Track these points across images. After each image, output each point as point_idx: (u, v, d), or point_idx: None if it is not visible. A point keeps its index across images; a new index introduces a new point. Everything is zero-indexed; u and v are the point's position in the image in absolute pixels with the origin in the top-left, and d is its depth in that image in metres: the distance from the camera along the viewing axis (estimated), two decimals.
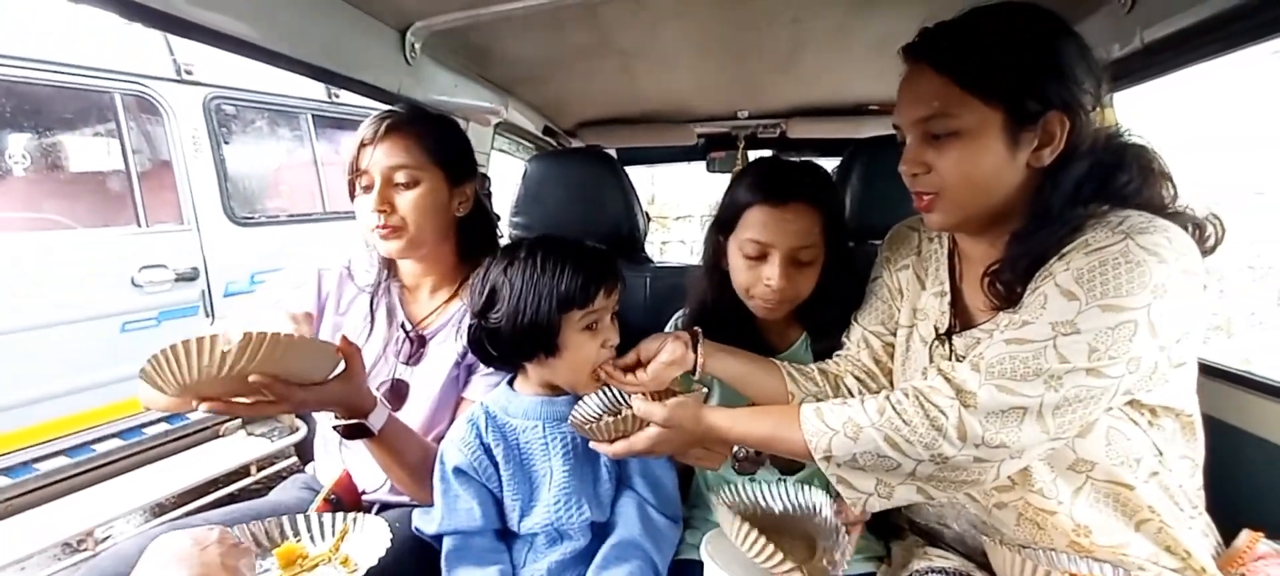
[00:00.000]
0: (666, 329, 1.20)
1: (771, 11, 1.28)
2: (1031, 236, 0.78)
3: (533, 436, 1.02)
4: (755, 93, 2.11)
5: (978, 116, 0.76)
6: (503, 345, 0.99)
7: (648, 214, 1.77)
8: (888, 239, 1.08)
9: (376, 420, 0.97)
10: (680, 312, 1.22)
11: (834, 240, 1.05)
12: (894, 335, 1.03)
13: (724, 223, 1.09)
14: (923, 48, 0.81)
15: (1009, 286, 0.79)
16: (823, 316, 1.11)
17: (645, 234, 1.68)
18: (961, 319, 0.92)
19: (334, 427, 0.99)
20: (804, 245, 1.01)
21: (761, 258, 1.02)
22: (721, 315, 1.12)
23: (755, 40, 1.47)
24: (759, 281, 1.03)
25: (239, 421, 2.94)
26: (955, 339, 0.90)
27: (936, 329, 0.93)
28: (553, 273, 0.96)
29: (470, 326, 1.02)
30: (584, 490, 1.01)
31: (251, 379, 0.80)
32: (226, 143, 3.01)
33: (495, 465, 1.01)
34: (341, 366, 0.92)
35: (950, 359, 0.90)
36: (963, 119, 0.77)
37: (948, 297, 0.93)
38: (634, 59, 1.59)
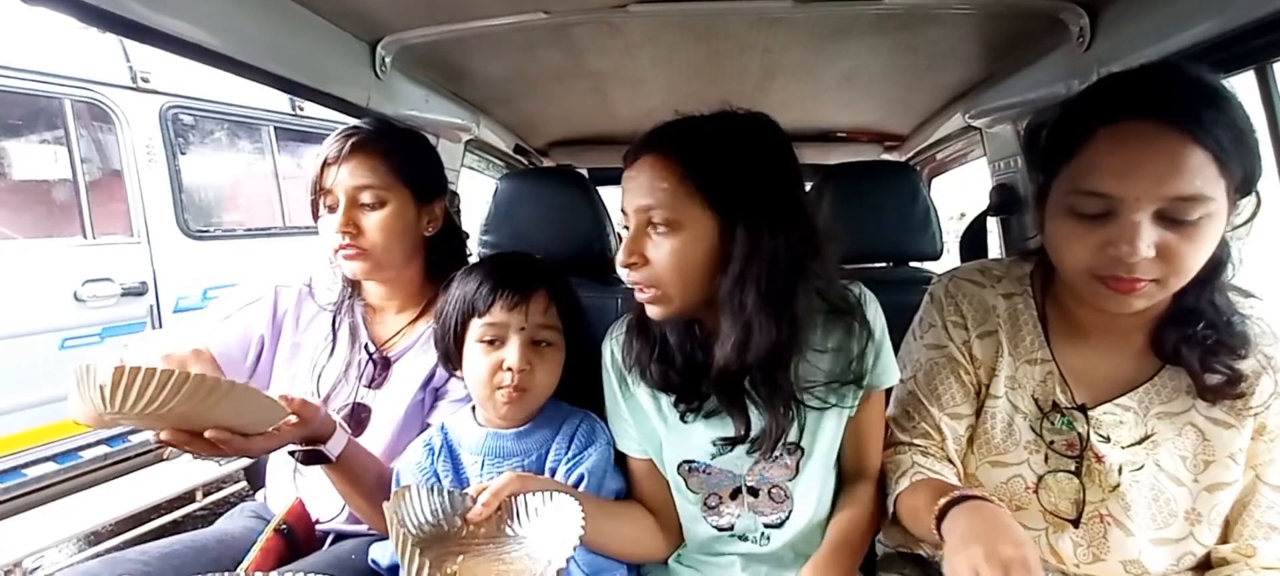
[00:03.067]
0: (609, 334, 1.02)
1: (744, 42, 1.30)
2: (1218, 327, 0.78)
3: (474, 473, 0.96)
4: None
5: (1222, 191, 0.67)
6: (443, 361, 0.99)
7: (619, 235, 1.75)
8: (946, 295, 0.93)
9: (334, 447, 0.93)
10: (621, 322, 1.02)
11: (727, 209, 0.78)
12: (976, 414, 0.91)
13: None
14: (1174, 111, 0.67)
15: (1236, 381, 0.77)
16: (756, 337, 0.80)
17: (617, 254, 1.66)
18: (1078, 392, 0.85)
19: (289, 453, 0.94)
20: (652, 205, 0.78)
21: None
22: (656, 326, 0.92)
23: (727, 68, 1.48)
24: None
25: None
26: (1091, 413, 0.83)
27: (1037, 401, 0.86)
28: (467, 279, 0.95)
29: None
30: None
31: (207, 434, 0.78)
32: (183, 153, 2.92)
33: None
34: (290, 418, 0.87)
35: (1088, 430, 0.83)
36: (1218, 198, 0.67)
37: (1046, 365, 0.86)
38: (607, 81, 1.59)
